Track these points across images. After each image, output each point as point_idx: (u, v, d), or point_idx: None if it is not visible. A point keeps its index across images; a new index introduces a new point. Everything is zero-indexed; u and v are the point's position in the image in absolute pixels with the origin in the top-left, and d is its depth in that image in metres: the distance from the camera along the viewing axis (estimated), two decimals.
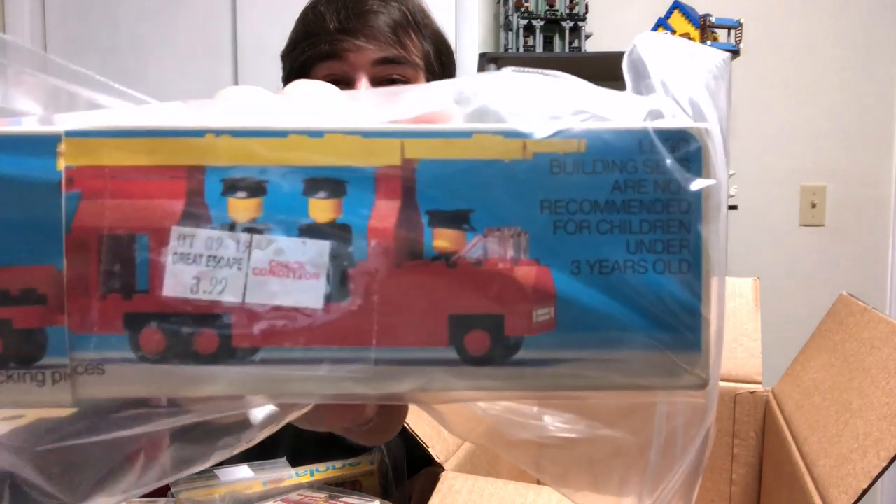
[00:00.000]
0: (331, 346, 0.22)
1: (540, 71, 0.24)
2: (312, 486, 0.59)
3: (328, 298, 0.22)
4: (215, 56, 2.21)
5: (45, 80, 0.24)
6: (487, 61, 2.01)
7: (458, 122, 0.24)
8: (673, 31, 2.02)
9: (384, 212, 0.22)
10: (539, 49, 2.04)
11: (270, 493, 0.56)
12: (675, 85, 0.24)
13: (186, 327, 0.22)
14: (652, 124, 0.23)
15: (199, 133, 0.22)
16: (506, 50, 2.06)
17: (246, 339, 0.22)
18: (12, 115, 0.24)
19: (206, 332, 0.22)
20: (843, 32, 2.11)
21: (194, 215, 0.22)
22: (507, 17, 2.07)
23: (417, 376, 0.23)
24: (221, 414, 0.24)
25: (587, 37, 2.06)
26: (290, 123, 0.22)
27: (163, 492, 0.53)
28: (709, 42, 1.99)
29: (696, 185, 0.22)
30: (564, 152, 0.22)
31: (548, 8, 2.03)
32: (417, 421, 0.58)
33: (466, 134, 0.22)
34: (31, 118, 0.23)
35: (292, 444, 0.74)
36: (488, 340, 0.22)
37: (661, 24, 2.05)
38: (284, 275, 0.22)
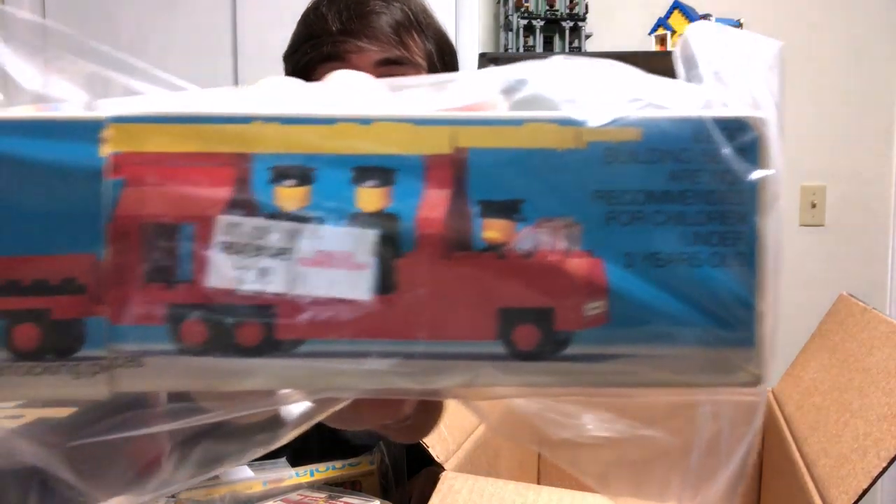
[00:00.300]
0: (377, 338, 0.22)
1: (591, 59, 0.24)
2: (312, 486, 0.59)
3: (375, 290, 0.21)
4: (215, 56, 2.21)
5: (81, 64, 0.24)
6: (487, 61, 2.01)
7: (503, 111, 0.23)
8: (673, 31, 2.02)
9: (434, 201, 0.22)
10: (539, 49, 2.04)
11: (270, 493, 0.56)
12: (729, 74, 0.23)
13: (229, 319, 0.21)
14: (709, 113, 0.22)
15: (246, 120, 0.21)
16: (506, 50, 2.06)
17: (290, 330, 0.21)
18: (47, 101, 0.23)
19: (250, 324, 0.21)
20: (843, 32, 2.11)
21: (241, 204, 0.21)
22: (507, 17, 2.07)
23: (464, 371, 0.22)
24: (254, 411, 0.23)
25: (587, 37, 2.06)
26: (339, 111, 0.22)
27: None
28: None
29: (753, 175, 0.22)
30: (619, 141, 0.22)
31: (548, 8, 2.03)
32: None
33: (518, 122, 0.22)
34: (71, 104, 0.22)
35: (295, 444, 0.74)
36: (537, 334, 0.22)
37: (661, 24, 2.05)
38: (331, 265, 0.21)
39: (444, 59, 0.82)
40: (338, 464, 0.62)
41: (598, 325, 0.22)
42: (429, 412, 0.39)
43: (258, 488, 0.56)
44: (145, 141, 0.21)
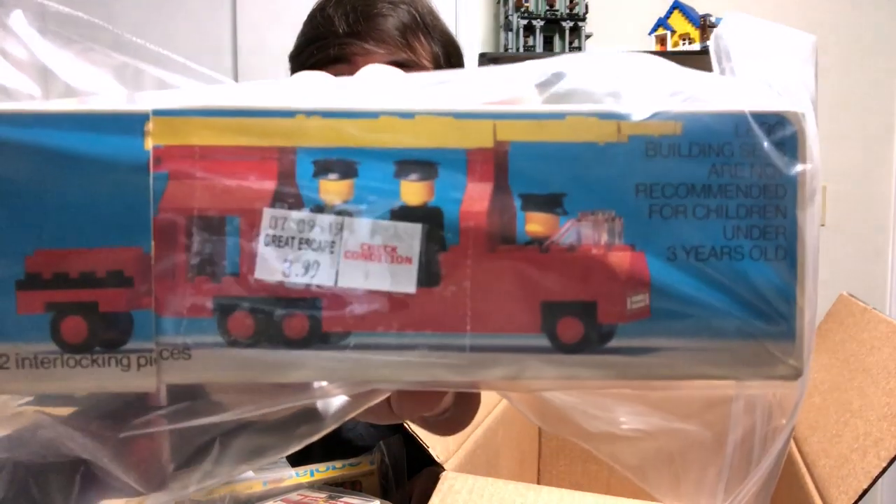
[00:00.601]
0: (423, 331, 0.22)
1: (627, 53, 0.24)
2: (312, 486, 0.59)
3: (420, 283, 0.22)
4: (215, 56, 2.21)
5: (114, 56, 0.24)
6: (487, 61, 2.01)
7: (537, 104, 0.23)
8: (673, 31, 2.02)
9: (477, 195, 0.22)
10: (539, 49, 2.04)
11: (270, 493, 0.56)
12: (764, 68, 0.23)
13: (277, 311, 0.21)
14: (749, 108, 0.22)
15: (289, 114, 0.21)
16: (506, 50, 2.06)
17: (337, 323, 0.22)
18: (82, 93, 0.23)
19: (297, 317, 0.21)
20: (843, 32, 2.11)
21: (286, 197, 0.21)
22: (507, 17, 2.07)
23: (509, 363, 0.22)
24: (293, 404, 0.24)
25: (587, 37, 2.06)
26: (381, 105, 0.22)
27: None
28: (708, 42, 1.99)
29: (793, 169, 0.22)
30: (660, 135, 0.22)
31: (548, 8, 2.03)
32: None
33: (559, 116, 0.22)
34: (109, 96, 0.23)
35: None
36: (581, 328, 0.22)
37: (661, 24, 2.05)
38: (376, 259, 0.22)
39: (450, 61, 0.81)
40: (338, 464, 0.62)
41: (641, 318, 0.22)
42: (467, 405, 0.39)
43: (258, 488, 0.56)
44: (188, 134, 0.21)
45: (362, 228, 0.22)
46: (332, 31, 0.75)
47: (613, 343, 0.22)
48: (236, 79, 2.19)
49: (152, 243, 0.21)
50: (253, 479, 0.56)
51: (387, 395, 0.25)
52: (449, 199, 0.22)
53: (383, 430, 0.76)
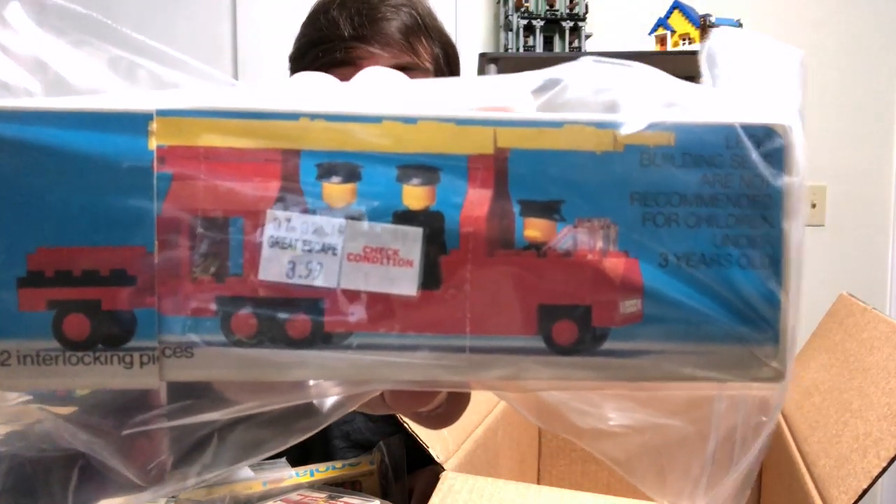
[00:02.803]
0: (423, 332, 0.22)
1: (622, 62, 0.24)
2: (312, 486, 0.59)
3: (421, 286, 0.22)
4: (215, 56, 2.21)
5: (108, 49, 0.24)
6: (487, 61, 2.01)
7: (535, 111, 0.24)
8: (673, 31, 2.02)
9: (477, 200, 0.22)
10: (539, 49, 2.04)
11: (270, 493, 0.56)
12: (754, 81, 0.24)
13: (280, 312, 0.22)
14: (738, 120, 0.23)
15: (293, 116, 0.22)
16: (506, 50, 2.06)
17: (339, 324, 0.22)
18: (80, 91, 0.23)
19: (300, 317, 0.22)
20: (843, 32, 2.11)
21: (289, 199, 0.22)
22: (507, 17, 2.07)
23: (507, 365, 0.23)
24: (287, 403, 0.24)
25: (587, 37, 2.06)
26: (384, 109, 0.22)
27: None
28: None
29: (780, 181, 0.23)
30: (654, 145, 0.22)
31: (548, 8, 2.03)
32: None
33: (558, 124, 0.22)
34: (115, 95, 0.23)
35: (299, 446, 0.74)
36: (575, 330, 0.23)
37: (661, 24, 2.05)
38: (378, 261, 0.22)
39: (448, 61, 0.82)
40: (338, 464, 0.62)
41: (633, 322, 0.23)
42: (458, 401, 0.40)
43: (258, 488, 0.56)
44: (192, 135, 0.22)
45: (365, 231, 0.22)
46: (337, 35, 0.75)
47: (606, 346, 0.23)
48: (236, 79, 2.19)
49: (155, 243, 0.21)
50: (253, 479, 0.56)
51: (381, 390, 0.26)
52: (450, 204, 0.22)
53: (381, 425, 0.77)
